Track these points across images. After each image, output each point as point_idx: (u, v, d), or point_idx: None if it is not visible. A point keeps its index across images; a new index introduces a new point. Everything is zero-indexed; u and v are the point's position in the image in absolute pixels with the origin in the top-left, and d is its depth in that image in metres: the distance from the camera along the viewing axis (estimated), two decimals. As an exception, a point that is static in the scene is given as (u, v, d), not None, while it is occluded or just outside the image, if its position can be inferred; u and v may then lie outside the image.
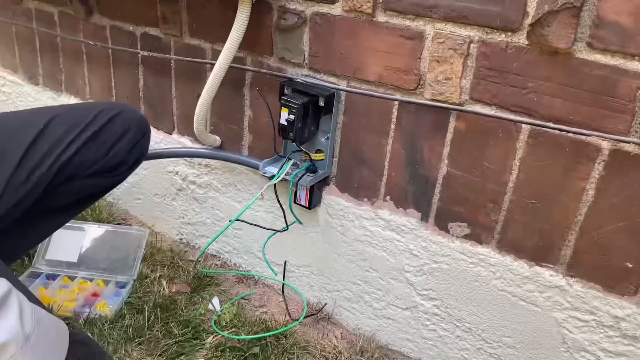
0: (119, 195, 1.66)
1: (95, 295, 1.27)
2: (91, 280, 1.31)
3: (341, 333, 1.26)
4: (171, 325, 1.19)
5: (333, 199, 1.17)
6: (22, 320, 0.65)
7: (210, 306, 1.29)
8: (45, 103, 1.73)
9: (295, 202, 1.18)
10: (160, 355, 1.12)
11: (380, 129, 1.05)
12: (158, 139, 1.46)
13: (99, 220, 1.55)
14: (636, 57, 0.77)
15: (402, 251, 1.10)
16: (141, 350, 1.13)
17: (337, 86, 1.06)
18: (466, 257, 1.03)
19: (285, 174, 1.11)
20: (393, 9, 0.95)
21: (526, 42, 0.84)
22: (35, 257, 1.34)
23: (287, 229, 1.22)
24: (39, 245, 1.35)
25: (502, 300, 1.01)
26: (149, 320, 1.19)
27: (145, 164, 1.52)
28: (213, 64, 1.12)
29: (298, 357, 1.16)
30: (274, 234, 1.27)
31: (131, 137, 0.98)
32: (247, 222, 1.32)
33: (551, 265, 0.94)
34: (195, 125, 1.22)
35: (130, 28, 1.38)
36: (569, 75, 0.82)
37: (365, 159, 1.09)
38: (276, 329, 1.20)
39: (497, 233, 0.98)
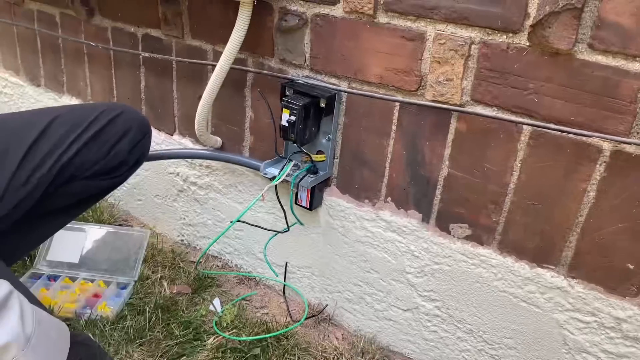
0: (120, 197, 1.66)
1: (96, 296, 1.27)
2: (92, 281, 1.31)
3: (342, 334, 1.26)
4: (172, 326, 1.19)
5: (334, 200, 1.17)
6: (23, 321, 0.65)
7: (211, 307, 1.29)
8: (46, 104, 1.73)
9: (296, 203, 1.18)
10: (161, 356, 1.12)
11: (381, 130, 1.05)
12: (159, 140, 1.46)
13: (100, 221, 1.55)
14: (637, 58, 0.77)
15: (404, 252, 1.10)
16: (142, 352, 1.13)
17: (338, 87, 1.06)
18: (467, 258, 1.02)
19: (286, 175, 1.11)
20: (394, 10, 0.95)
21: (527, 43, 0.84)
22: (37, 258, 1.34)
23: (288, 230, 1.22)
24: (40, 246, 1.35)
25: (503, 302, 1.01)
26: (150, 322, 1.19)
27: (146, 165, 1.52)
28: (214, 65, 1.12)
29: (299, 358, 1.16)
30: (275, 235, 1.27)
31: (132, 137, 0.98)
32: (248, 223, 1.32)
33: (552, 267, 0.94)
34: (196, 127, 1.22)
35: (132, 29, 1.38)
36: (570, 76, 0.82)
37: (366, 160, 1.09)
38: (277, 330, 1.20)
39: (499, 234, 0.98)
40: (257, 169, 1.23)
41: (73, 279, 1.32)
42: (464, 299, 1.06)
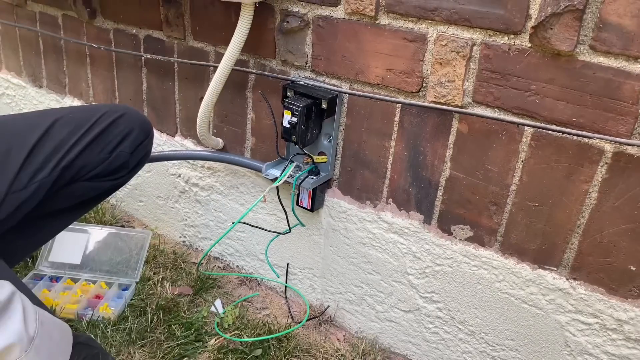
0: (122, 198, 1.66)
1: (98, 297, 1.27)
2: (94, 282, 1.32)
3: (344, 336, 1.26)
4: (174, 327, 1.19)
5: (336, 201, 1.17)
6: (26, 322, 0.65)
7: (212, 308, 1.29)
8: (48, 106, 1.74)
9: (297, 204, 1.18)
10: (162, 357, 1.12)
11: (382, 132, 1.05)
12: (161, 142, 1.46)
13: (102, 222, 1.56)
14: (639, 60, 0.77)
15: (405, 254, 1.10)
16: (144, 353, 1.13)
17: (339, 89, 1.06)
18: (469, 259, 1.02)
19: (288, 177, 1.11)
20: (395, 12, 0.95)
21: (529, 45, 0.84)
22: (39, 259, 1.35)
23: (290, 231, 1.22)
24: (42, 247, 1.36)
25: (505, 303, 1.01)
26: (151, 323, 1.19)
27: (148, 166, 1.52)
28: (216, 67, 1.12)
29: (300, 359, 1.16)
30: (277, 236, 1.27)
31: (134, 138, 0.98)
32: (249, 225, 1.33)
33: (554, 268, 0.94)
34: (198, 128, 1.22)
35: (134, 31, 1.38)
36: (571, 77, 0.82)
37: (367, 161, 1.09)
38: (279, 332, 1.20)
39: (500, 236, 0.98)
40: (258, 170, 1.23)
41: (75, 280, 1.32)
42: (465, 301, 1.06)
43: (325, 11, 1.03)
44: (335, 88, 1.07)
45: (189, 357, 1.14)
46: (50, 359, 0.68)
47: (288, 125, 1.05)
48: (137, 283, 1.32)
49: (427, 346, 1.15)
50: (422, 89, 0.97)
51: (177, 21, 1.27)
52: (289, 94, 1.08)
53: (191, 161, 1.41)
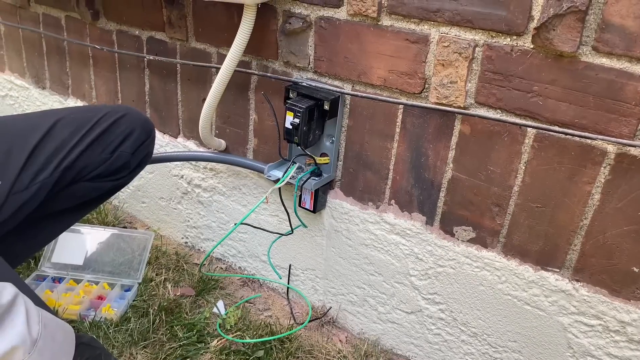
0: (124, 199, 1.66)
1: (100, 298, 1.27)
2: (96, 283, 1.32)
3: (346, 337, 1.26)
4: (176, 328, 1.19)
5: (338, 202, 1.17)
6: (29, 325, 0.65)
7: (215, 310, 1.29)
8: (51, 107, 1.74)
9: (300, 205, 1.18)
10: (164, 358, 1.12)
11: (385, 133, 1.05)
12: (163, 143, 1.46)
13: (104, 223, 1.56)
14: (642, 61, 0.77)
15: (407, 255, 1.10)
16: (146, 354, 1.13)
17: (342, 90, 1.06)
18: (471, 261, 1.02)
19: (290, 178, 1.11)
20: (398, 13, 0.95)
21: (531, 46, 0.84)
22: (41, 260, 1.35)
23: (292, 232, 1.22)
24: (45, 248, 1.36)
25: (507, 305, 1.01)
26: (153, 324, 1.19)
27: (150, 167, 1.52)
28: (218, 68, 1.13)
29: (302, 361, 1.16)
30: (279, 237, 1.27)
31: (135, 139, 0.98)
32: (251, 226, 1.33)
33: (557, 270, 0.94)
34: (200, 129, 1.22)
35: (137, 32, 1.38)
36: (574, 78, 0.82)
37: (370, 162, 1.09)
38: (281, 333, 1.20)
39: (503, 237, 0.98)
40: (261, 171, 1.23)
41: (77, 281, 1.32)
42: (467, 302, 1.06)
43: (328, 12, 1.03)
44: (338, 89, 1.07)
45: (191, 358, 1.14)
46: None
47: (290, 127, 1.05)
48: (139, 284, 1.32)
49: (430, 347, 1.15)
50: (424, 90, 0.97)
51: (179, 22, 1.27)
52: (291, 95, 1.08)
53: (194, 162, 1.41)
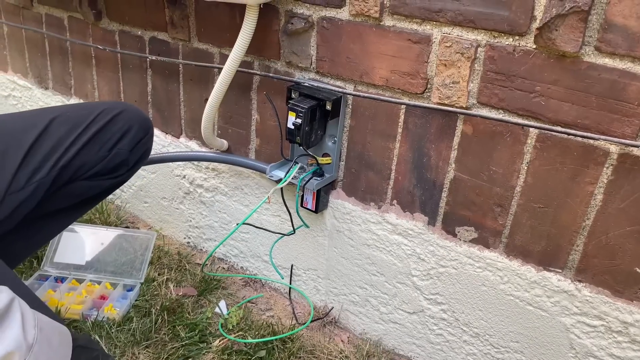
0: (126, 199, 1.67)
1: (102, 298, 1.27)
2: (99, 283, 1.32)
3: (348, 337, 1.26)
4: (178, 328, 1.20)
5: (340, 202, 1.17)
6: (24, 329, 0.64)
7: (217, 309, 1.29)
8: (54, 107, 1.74)
9: (302, 205, 1.18)
10: (167, 358, 1.12)
11: (387, 133, 1.05)
12: (166, 143, 1.46)
13: (107, 223, 1.56)
14: (645, 61, 0.76)
15: (409, 255, 1.10)
16: (148, 354, 1.13)
17: (344, 90, 1.06)
18: (473, 261, 1.02)
19: (292, 178, 1.11)
20: (400, 13, 0.95)
21: (534, 46, 0.84)
22: (44, 259, 1.35)
23: (294, 232, 1.22)
24: (48, 248, 1.36)
25: (509, 305, 1.01)
26: (155, 324, 1.20)
27: (152, 167, 1.53)
28: (221, 68, 1.13)
29: (304, 361, 1.16)
30: (281, 237, 1.27)
31: (133, 136, 0.97)
32: (254, 226, 1.33)
33: (559, 270, 0.94)
34: (202, 129, 1.22)
35: (139, 32, 1.39)
36: (576, 79, 0.82)
37: (372, 162, 1.09)
38: (283, 333, 1.20)
39: (505, 237, 0.98)
40: (263, 171, 1.23)
41: (80, 281, 1.32)
42: (470, 303, 1.06)
43: (330, 13, 1.03)
44: (340, 89, 1.07)
45: (193, 358, 1.14)
46: None
47: (292, 127, 1.05)
48: (141, 284, 1.33)
49: (432, 348, 1.15)
50: (426, 91, 0.97)
51: (182, 23, 1.27)
52: (293, 95, 1.08)
53: (196, 162, 1.42)
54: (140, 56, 1.40)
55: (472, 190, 0.98)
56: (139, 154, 1.00)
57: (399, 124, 1.03)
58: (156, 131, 1.48)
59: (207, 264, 1.47)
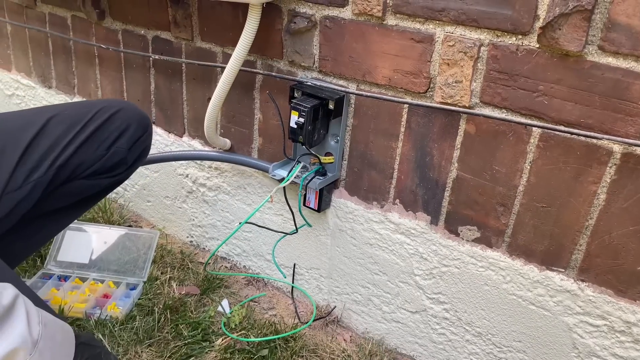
0: (129, 198, 1.67)
1: (106, 296, 1.28)
2: (102, 281, 1.32)
3: (350, 336, 1.26)
4: (181, 327, 1.20)
5: (342, 202, 1.17)
6: (29, 326, 0.64)
7: (219, 308, 1.29)
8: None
9: (304, 205, 1.19)
10: (169, 357, 1.13)
11: (389, 132, 1.05)
12: (169, 142, 1.47)
13: (109, 222, 1.57)
14: (648, 60, 0.76)
15: (412, 254, 1.10)
16: (151, 352, 1.14)
17: (346, 89, 1.06)
18: (476, 260, 1.02)
19: (295, 177, 1.11)
20: (403, 12, 0.95)
21: (537, 45, 0.84)
22: (47, 258, 1.36)
23: (297, 231, 1.22)
24: (51, 246, 1.37)
25: (512, 305, 1.01)
26: (158, 322, 1.20)
27: (155, 166, 1.53)
28: (224, 68, 1.13)
29: (307, 359, 1.16)
30: (284, 236, 1.27)
31: (131, 134, 0.96)
32: (256, 225, 1.33)
33: (562, 270, 0.94)
34: (205, 128, 1.23)
35: (142, 32, 1.39)
36: (580, 78, 0.82)
37: (374, 162, 1.09)
38: (285, 332, 1.20)
39: (507, 237, 0.98)
40: (265, 170, 1.23)
41: (83, 280, 1.33)
42: (472, 302, 1.06)
43: (333, 12, 1.03)
44: (343, 89, 1.07)
45: (195, 357, 1.14)
46: None
47: (295, 126, 1.05)
48: (144, 283, 1.33)
49: (434, 347, 1.15)
50: (429, 90, 0.97)
51: (185, 22, 1.27)
52: (296, 94, 1.09)
53: (199, 161, 1.42)
54: (143, 55, 1.40)
55: (474, 190, 0.98)
56: (137, 152, 0.99)
57: (402, 123, 1.03)
58: (159, 130, 1.48)
59: (209, 263, 1.47)
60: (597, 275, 0.90)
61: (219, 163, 1.37)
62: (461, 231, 1.03)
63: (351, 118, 1.09)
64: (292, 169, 1.12)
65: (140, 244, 1.40)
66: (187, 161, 1.44)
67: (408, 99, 1.00)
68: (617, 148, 0.82)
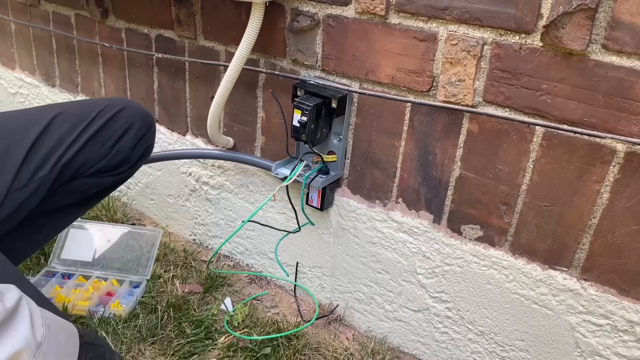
0: (133, 196, 1.67)
1: (109, 294, 1.28)
2: (105, 279, 1.33)
3: (353, 335, 1.26)
4: (184, 325, 1.20)
5: (345, 200, 1.17)
6: (33, 328, 0.64)
7: (222, 306, 1.30)
8: (61, 104, 1.75)
9: (307, 203, 1.19)
10: (172, 354, 1.13)
11: (392, 131, 1.05)
12: (172, 140, 1.47)
13: (113, 220, 1.57)
14: (652, 59, 0.76)
15: (414, 253, 1.10)
16: (154, 350, 1.14)
17: (349, 88, 1.06)
18: (479, 259, 1.02)
19: (298, 176, 1.11)
20: (406, 11, 0.95)
21: (540, 44, 0.84)
22: (51, 256, 1.36)
23: (299, 230, 1.22)
24: (55, 244, 1.37)
25: (515, 304, 1.01)
26: (162, 320, 1.20)
27: (159, 165, 1.53)
28: (227, 66, 1.13)
29: (309, 358, 1.16)
30: (286, 235, 1.27)
31: (135, 132, 0.96)
32: (259, 223, 1.33)
33: (565, 269, 0.93)
34: (208, 127, 1.23)
35: (145, 30, 1.39)
36: (583, 77, 0.82)
37: (377, 160, 1.09)
38: (288, 330, 1.20)
39: (510, 236, 0.98)
40: (268, 169, 1.23)
41: (86, 277, 1.33)
42: (475, 301, 1.05)
43: (336, 10, 1.03)
44: (345, 87, 1.07)
45: (198, 355, 1.14)
46: None
47: (298, 125, 1.05)
48: (147, 281, 1.33)
49: (437, 346, 1.15)
50: (432, 88, 0.97)
51: (188, 21, 1.27)
52: (299, 93, 1.09)
53: (202, 160, 1.42)
54: (147, 54, 1.40)
55: (477, 189, 0.98)
56: (141, 151, 1.00)
57: (405, 122, 1.03)
58: (162, 129, 1.48)
59: (212, 261, 1.47)
60: (600, 274, 0.90)
61: (222, 161, 1.37)
62: (464, 230, 1.03)
63: (354, 117, 1.09)
64: (294, 167, 1.12)
65: (144, 242, 1.41)
66: (190, 159, 1.44)
67: (411, 98, 1.00)
68: (620, 147, 0.82)
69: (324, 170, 1.14)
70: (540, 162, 0.90)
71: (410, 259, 1.11)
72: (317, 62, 1.10)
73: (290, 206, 1.19)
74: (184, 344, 1.16)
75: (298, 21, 1.08)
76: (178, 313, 1.24)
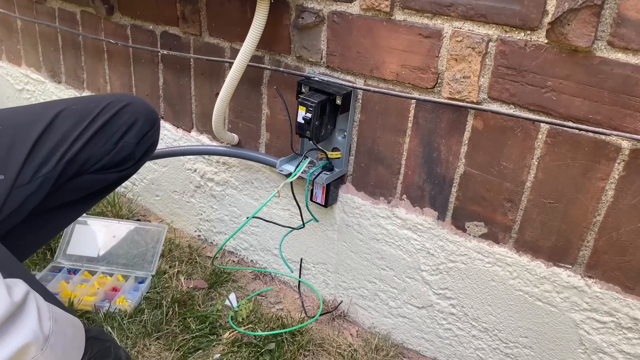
0: (138, 192, 1.68)
1: (114, 290, 1.29)
2: (111, 275, 1.34)
3: (357, 331, 1.27)
4: (188, 320, 1.21)
5: (349, 197, 1.17)
6: (40, 321, 0.64)
7: (227, 302, 1.30)
8: (67, 101, 1.76)
9: (311, 200, 1.19)
10: (177, 350, 1.14)
11: (397, 128, 1.05)
12: (177, 137, 1.47)
13: (118, 216, 1.58)
14: (658, 56, 0.76)
15: (419, 250, 1.10)
16: (159, 345, 1.15)
17: (354, 85, 1.06)
18: (483, 256, 1.02)
19: (302, 172, 1.11)
20: (411, 7, 0.95)
21: (545, 41, 0.84)
22: (57, 251, 1.37)
23: (304, 226, 1.22)
24: (61, 240, 1.38)
25: (519, 301, 1.01)
26: (166, 315, 1.21)
27: (164, 161, 1.54)
28: (232, 63, 1.13)
29: (314, 354, 1.17)
30: (291, 231, 1.27)
31: (139, 129, 0.96)
32: (264, 220, 1.33)
33: (569, 266, 0.93)
34: (213, 124, 1.23)
35: (151, 27, 1.39)
36: (588, 74, 0.81)
37: (381, 157, 1.09)
38: (292, 326, 1.20)
39: (515, 233, 0.97)
40: (273, 165, 1.24)
41: (92, 273, 1.34)
42: (479, 298, 1.06)
43: (340, 7, 1.03)
44: (350, 84, 1.07)
45: (203, 350, 1.15)
46: (65, 356, 0.68)
47: (302, 121, 1.05)
48: (153, 276, 1.34)
49: (440, 342, 1.15)
50: (437, 85, 0.97)
51: (193, 17, 1.28)
52: (303, 89, 1.09)
53: (207, 156, 1.42)
54: (152, 50, 1.41)
55: (482, 186, 0.98)
56: (145, 147, 1.00)
57: (409, 118, 1.03)
58: (168, 125, 1.49)
59: (217, 257, 1.48)
60: (605, 271, 0.90)
61: (226, 158, 1.38)
62: (468, 227, 1.03)
63: (358, 113, 1.09)
64: (299, 164, 1.13)
65: (149, 238, 1.41)
66: (195, 156, 1.45)
67: (416, 95, 1.00)
68: (625, 144, 0.82)
69: (329, 166, 1.14)
70: (545, 159, 0.90)
71: (415, 255, 1.11)
72: (321, 59, 1.10)
73: (295, 203, 1.19)
74: (189, 339, 1.16)
75: (303, 18, 1.08)
76: (183, 308, 1.24)
